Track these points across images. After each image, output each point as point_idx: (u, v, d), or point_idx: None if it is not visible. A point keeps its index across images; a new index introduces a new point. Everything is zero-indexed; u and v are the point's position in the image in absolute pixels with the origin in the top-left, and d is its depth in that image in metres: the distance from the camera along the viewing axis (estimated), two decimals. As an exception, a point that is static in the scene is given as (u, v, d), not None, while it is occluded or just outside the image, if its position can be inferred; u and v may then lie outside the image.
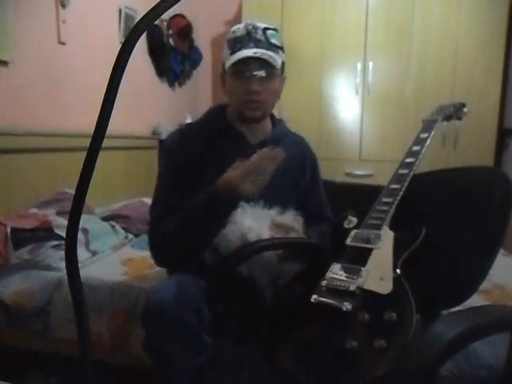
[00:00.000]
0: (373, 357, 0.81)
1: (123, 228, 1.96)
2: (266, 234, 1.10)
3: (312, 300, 0.93)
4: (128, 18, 2.62)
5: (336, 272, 1.00)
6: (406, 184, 1.20)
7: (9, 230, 1.49)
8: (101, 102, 0.36)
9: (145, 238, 1.94)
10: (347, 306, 0.88)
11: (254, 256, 1.06)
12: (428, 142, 1.30)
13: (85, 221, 1.73)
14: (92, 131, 0.36)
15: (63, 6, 2.04)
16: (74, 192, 0.38)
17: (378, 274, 0.96)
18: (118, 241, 1.85)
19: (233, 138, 1.23)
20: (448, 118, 1.44)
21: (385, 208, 1.16)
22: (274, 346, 0.96)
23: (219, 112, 1.27)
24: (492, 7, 2.92)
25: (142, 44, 2.87)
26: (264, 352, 0.99)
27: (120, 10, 2.57)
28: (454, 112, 1.44)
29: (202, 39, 3.63)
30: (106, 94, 0.35)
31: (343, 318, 0.88)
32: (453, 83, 3.01)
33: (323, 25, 3.14)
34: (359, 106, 3.17)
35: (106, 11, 2.48)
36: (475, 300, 1.04)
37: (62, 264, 1.50)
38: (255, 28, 1.14)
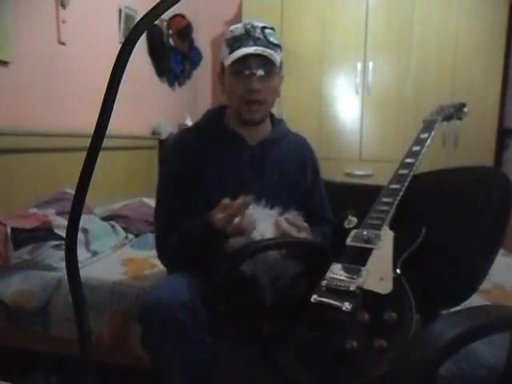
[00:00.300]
0: (373, 357, 0.81)
1: (123, 228, 1.96)
2: (268, 233, 1.09)
3: (312, 300, 0.93)
4: (128, 18, 2.62)
5: (336, 272, 1.00)
6: (406, 184, 1.20)
7: (9, 230, 1.49)
8: (101, 102, 0.36)
9: (145, 238, 1.96)
10: (347, 305, 0.88)
11: (258, 256, 1.06)
12: (428, 142, 1.30)
13: (85, 221, 1.73)
14: (92, 131, 0.36)
15: (63, 6, 2.04)
16: (73, 192, 0.38)
17: (378, 273, 0.96)
18: (118, 241, 1.85)
19: (231, 140, 1.22)
20: (448, 118, 1.44)
21: (385, 208, 1.16)
22: (274, 345, 0.96)
23: (217, 114, 1.27)
24: (492, 7, 2.92)
25: (142, 44, 2.87)
26: (264, 352, 0.99)
27: (120, 10, 2.57)
28: (454, 112, 1.44)
29: (202, 39, 3.63)
30: (105, 94, 0.35)
31: (343, 318, 0.88)
32: (453, 83, 3.01)
33: (323, 25, 3.14)
34: (359, 106, 3.17)
35: (105, 11, 2.48)
36: (475, 300, 1.04)
37: (62, 264, 1.50)
38: (254, 27, 1.15)
